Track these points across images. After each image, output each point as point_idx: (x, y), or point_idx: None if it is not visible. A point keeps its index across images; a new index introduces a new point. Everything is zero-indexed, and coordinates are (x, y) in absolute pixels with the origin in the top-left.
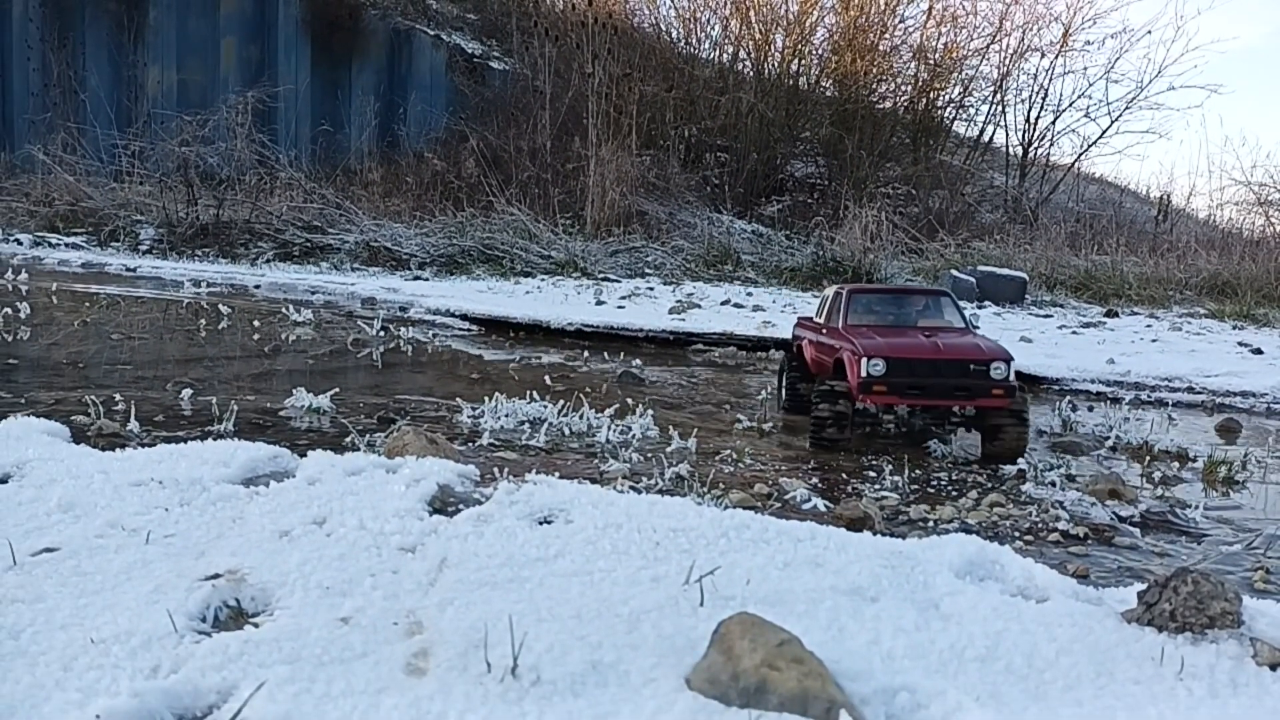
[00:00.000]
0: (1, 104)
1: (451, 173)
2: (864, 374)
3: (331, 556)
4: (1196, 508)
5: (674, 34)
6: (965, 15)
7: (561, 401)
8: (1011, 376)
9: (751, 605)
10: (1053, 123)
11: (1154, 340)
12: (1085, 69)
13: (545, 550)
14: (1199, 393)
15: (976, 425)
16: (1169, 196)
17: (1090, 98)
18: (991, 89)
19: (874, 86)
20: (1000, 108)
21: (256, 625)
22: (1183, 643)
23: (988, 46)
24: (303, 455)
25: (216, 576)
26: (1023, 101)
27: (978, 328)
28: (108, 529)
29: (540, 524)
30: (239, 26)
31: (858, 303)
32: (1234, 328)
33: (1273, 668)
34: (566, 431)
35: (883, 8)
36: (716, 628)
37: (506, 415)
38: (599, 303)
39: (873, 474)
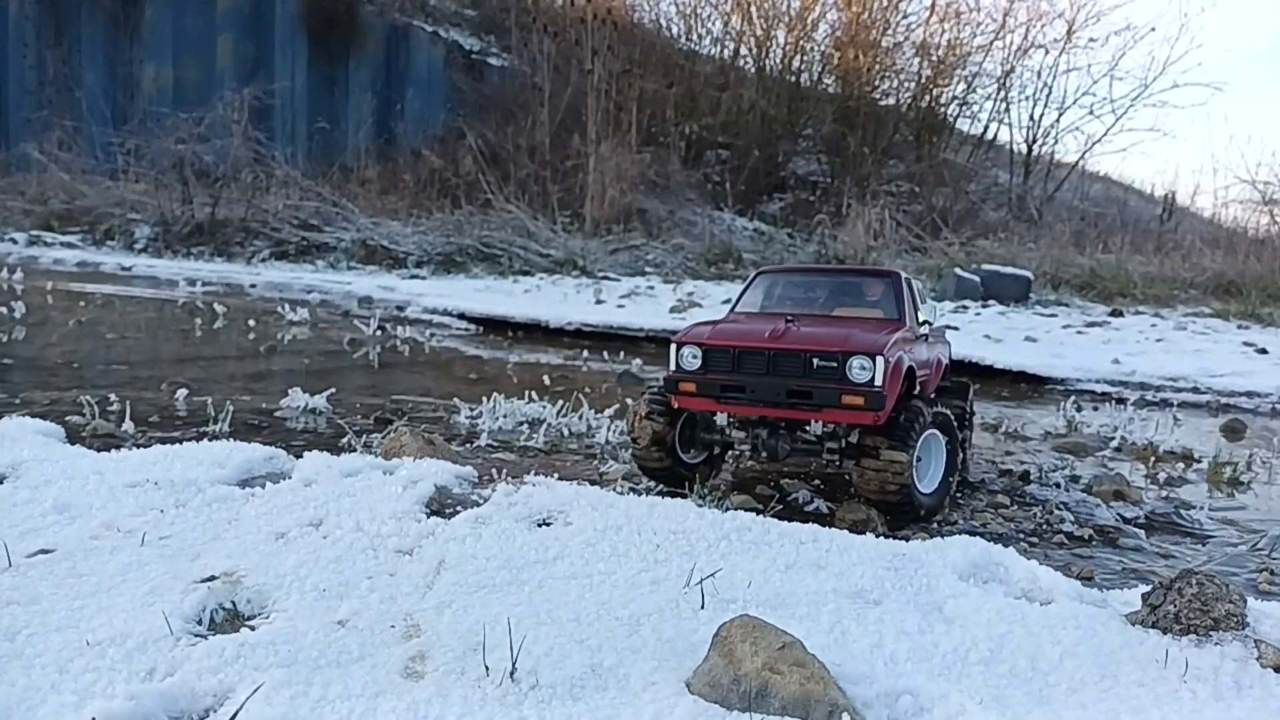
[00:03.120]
0: None
1: (449, 170)
2: (673, 366)
3: (328, 559)
4: (1201, 509)
5: (674, 30)
6: (968, 11)
7: (560, 402)
8: (880, 380)
9: (753, 608)
10: (1057, 120)
11: (1159, 340)
12: (1089, 66)
13: (544, 553)
14: (1204, 393)
15: (854, 455)
16: (1174, 195)
17: (1094, 95)
18: (995, 86)
19: (876, 83)
20: (1004, 105)
21: (253, 628)
22: (1187, 645)
23: (991, 43)
24: (299, 456)
25: (212, 579)
26: (1027, 98)
27: (942, 327)
28: (103, 530)
29: (539, 526)
30: (235, 23)
31: (760, 286)
32: (1239, 327)
33: (1277, 670)
34: (565, 432)
35: (885, 4)
36: (717, 631)
37: (505, 416)
38: (598, 302)
39: None
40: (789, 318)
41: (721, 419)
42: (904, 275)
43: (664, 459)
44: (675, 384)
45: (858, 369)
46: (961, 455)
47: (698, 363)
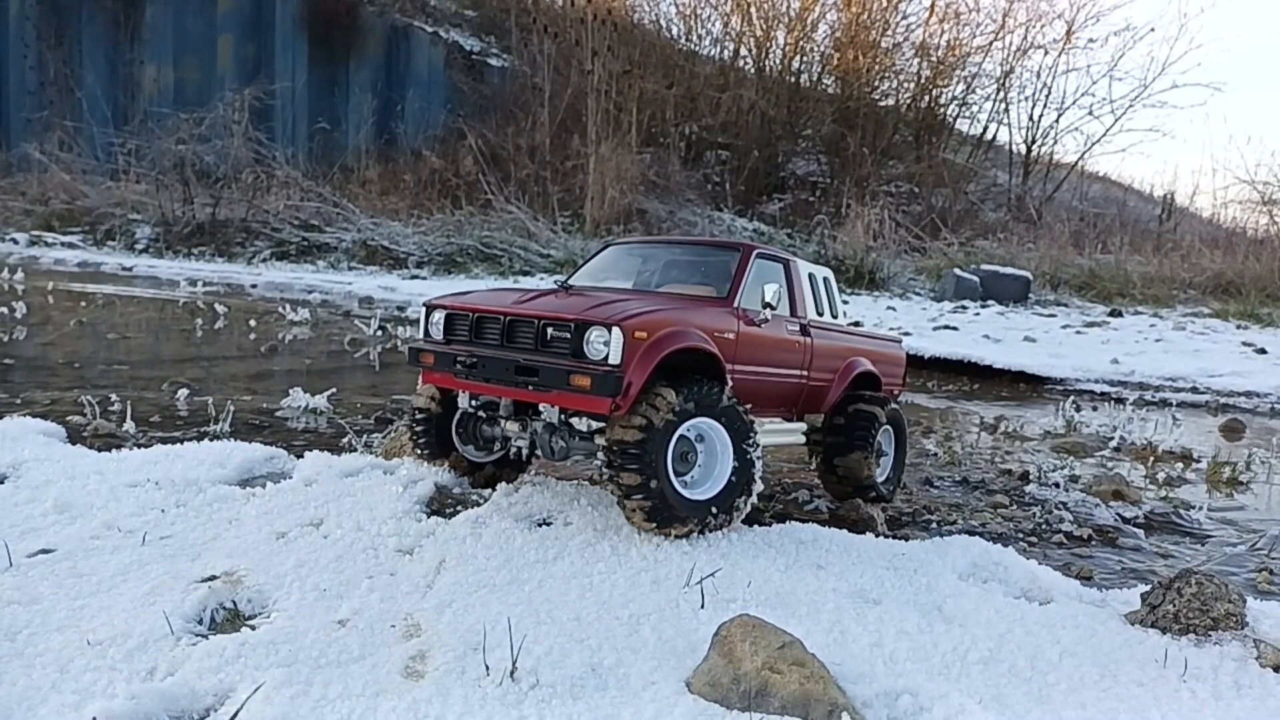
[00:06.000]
0: None
1: (449, 170)
2: (421, 334)
3: (328, 558)
4: (1200, 509)
5: (674, 30)
6: (968, 12)
7: None
8: (617, 357)
9: (753, 608)
10: (1056, 120)
11: (1158, 340)
12: (1089, 66)
13: (544, 552)
14: (1203, 393)
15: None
16: (1173, 195)
17: (1094, 95)
18: (995, 86)
19: (876, 84)
20: (1003, 105)
21: (253, 627)
22: (1186, 644)
23: (990, 43)
24: (299, 456)
25: (213, 578)
26: (1026, 99)
27: (875, 330)
28: (104, 530)
29: (539, 526)
30: (236, 24)
31: (602, 258)
32: (1238, 327)
33: (1276, 669)
34: None
35: (885, 4)
36: (717, 630)
37: None
38: None
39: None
40: (568, 286)
41: (467, 399)
42: (759, 250)
43: (445, 442)
44: (416, 354)
45: (596, 343)
46: (858, 467)
47: (440, 330)
